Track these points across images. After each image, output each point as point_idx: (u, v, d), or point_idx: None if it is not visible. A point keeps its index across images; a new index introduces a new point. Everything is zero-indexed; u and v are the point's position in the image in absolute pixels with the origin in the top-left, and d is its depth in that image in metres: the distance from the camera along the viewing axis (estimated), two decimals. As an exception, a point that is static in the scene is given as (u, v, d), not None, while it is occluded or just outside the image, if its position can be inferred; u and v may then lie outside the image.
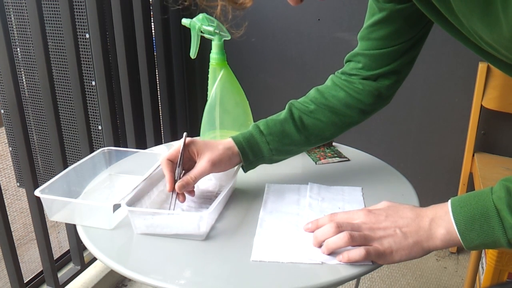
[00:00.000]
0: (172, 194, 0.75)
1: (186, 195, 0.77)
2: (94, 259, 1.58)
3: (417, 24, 0.79)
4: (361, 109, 0.86)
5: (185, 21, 0.90)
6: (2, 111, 1.57)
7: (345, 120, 0.86)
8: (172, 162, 0.76)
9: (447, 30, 0.67)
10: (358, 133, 1.87)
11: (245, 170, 0.82)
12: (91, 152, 1.01)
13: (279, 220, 0.73)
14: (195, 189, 0.82)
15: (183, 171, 0.77)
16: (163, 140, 1.86)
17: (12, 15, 1.47)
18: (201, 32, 0.89)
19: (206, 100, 0.95)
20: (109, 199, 0.82)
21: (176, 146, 0.77)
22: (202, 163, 0.75)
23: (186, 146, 0.77)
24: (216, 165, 0.76)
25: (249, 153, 0.80)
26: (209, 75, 0.94)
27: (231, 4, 0.59)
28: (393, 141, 1.80)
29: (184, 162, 0.77)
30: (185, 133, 0.77)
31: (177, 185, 0.73)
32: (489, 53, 0.64)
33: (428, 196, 1.77)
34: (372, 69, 0.84)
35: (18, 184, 1.72)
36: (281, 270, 0.61)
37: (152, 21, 1.68)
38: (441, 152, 1.76)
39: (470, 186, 1.70)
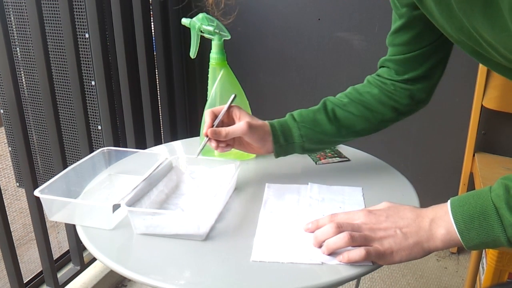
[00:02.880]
0: (206, 138, 0.80)
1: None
2: (93, 259, 1.58)
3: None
4: (395, 107, 0.87)
5: (185, 21, 0.90)
6: (2, 111, 1.57)
7: (378, 117, 0.87)
8: (214, 115, 0.81)
9: (450, 36, 0.66)
10: (358, 133, 1.87)
11: (276, 155, 0.85)
12: (90, 152, 1.01)
13: (279, 220, 0.73)
14: (195, 190, 0.82)
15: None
16: (163, 140, 1.86)
17: (12, 15, 1.47)
18: (201, 32, 0.89)
19: (206, 100, 0.95)
20: (109, 199, 0.82)
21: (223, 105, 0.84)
22: (240, 124, 0.80)
23: (230, 107, 0.82)
24: (252, 131, 0.79)
25: (280, 136, 0.83)
26: (209, 75, 0.94)
27: None
28: (393, 141, 1.80)
29: (223, 119, 0.82)
30: (234, 94, 0.84)
31: (210, 129, 0.79)
32: (487, 57, 0.64)
33: (428, 196, 1.77)
34: (401, 73, 0.86)
35: (17, 184, 1.72)
36: (281, 271, 0.61)
37: (152, 21, 1.68)
38: (441, 152, 1.76)
39: (471, 186, 1.69)
